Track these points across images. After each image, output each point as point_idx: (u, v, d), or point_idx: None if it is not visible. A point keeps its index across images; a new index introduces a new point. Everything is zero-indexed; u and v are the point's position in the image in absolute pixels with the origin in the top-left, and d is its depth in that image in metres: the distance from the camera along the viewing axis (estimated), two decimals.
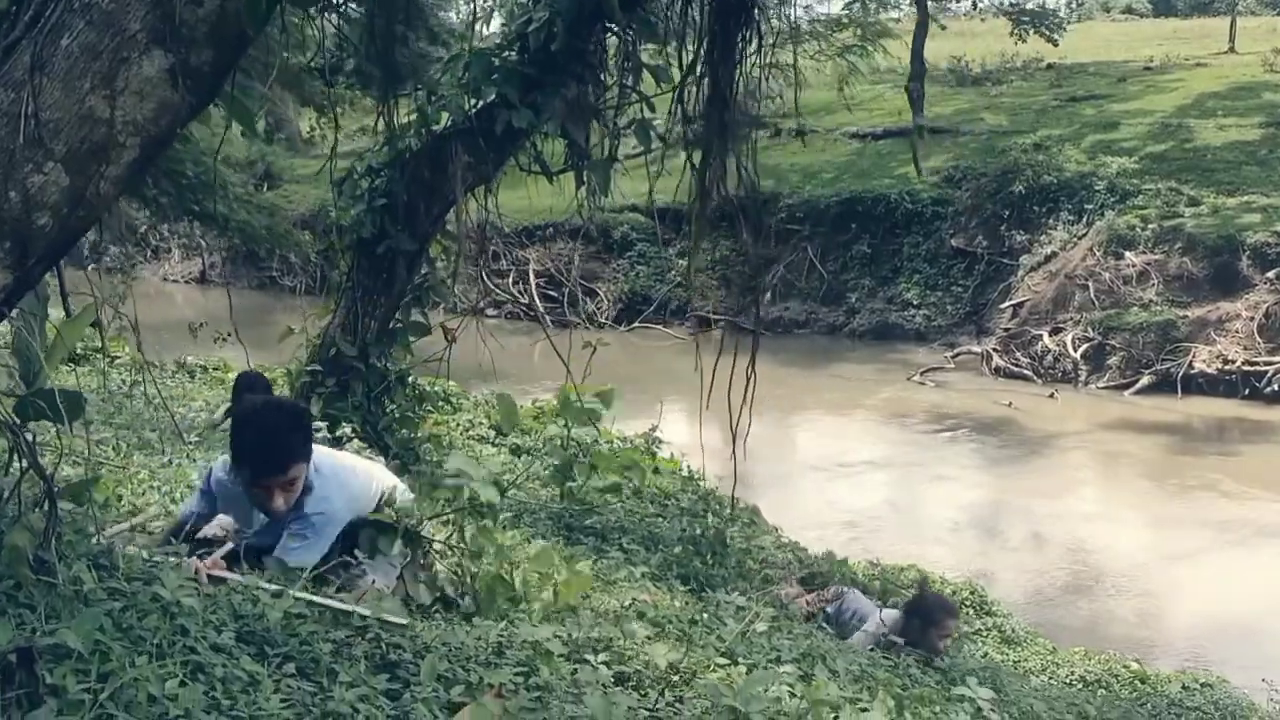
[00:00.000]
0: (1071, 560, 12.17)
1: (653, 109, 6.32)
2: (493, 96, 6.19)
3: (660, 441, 8.53)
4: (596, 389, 7.17)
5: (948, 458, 16.19)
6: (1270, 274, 18.66)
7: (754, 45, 4.61)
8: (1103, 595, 11.30)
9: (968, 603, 8.97)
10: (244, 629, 2.49)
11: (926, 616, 5.78)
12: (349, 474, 3.75)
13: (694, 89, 4.81)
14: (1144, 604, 11.22)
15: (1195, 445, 16.56)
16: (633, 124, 6.18)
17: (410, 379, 6.84)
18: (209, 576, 2.95)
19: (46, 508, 2.37)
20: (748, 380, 4.15)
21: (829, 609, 6.19)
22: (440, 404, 8.05)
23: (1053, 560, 12.18)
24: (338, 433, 5.96)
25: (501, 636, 3.08)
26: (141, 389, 6.72)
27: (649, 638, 3.60)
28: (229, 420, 4.04)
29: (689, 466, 8.38)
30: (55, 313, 5.23)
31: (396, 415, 6.65)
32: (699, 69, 4.80)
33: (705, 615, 4.22)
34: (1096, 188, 22.04)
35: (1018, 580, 11.54)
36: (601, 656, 3.22)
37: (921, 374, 20.00)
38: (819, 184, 25.51)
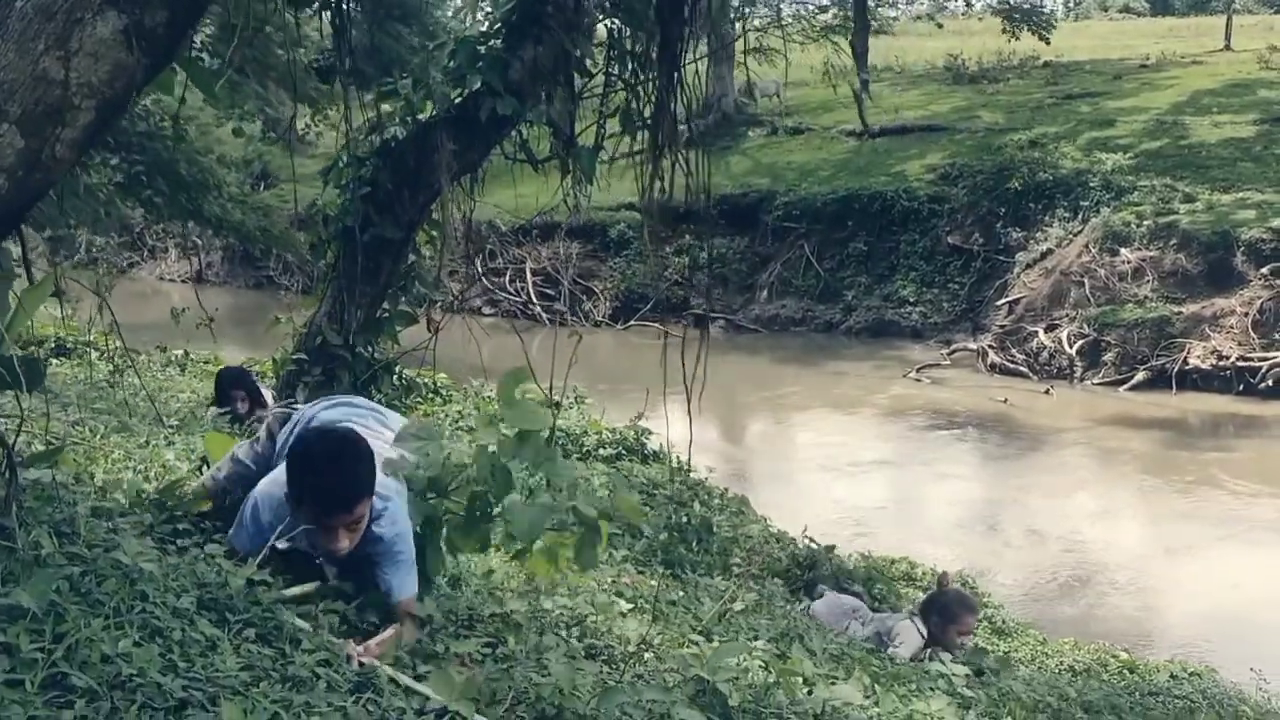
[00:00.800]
0: (1066, 555, 12.15)
1: (638, 97, 6.29)
2: (478, 84, 6.19)
3: (648, 432, 8.53)
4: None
5: (943, 454, 16.19)
6: (1264, 270, 18.65)
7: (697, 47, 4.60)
8: (1097, 589, 11.29)
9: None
10: (205, 596, 2.49)
11: (945, 613, 5.56)
12: (404, 493, 3.41)
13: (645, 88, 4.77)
14: (1139, 598, 11.21)
15: (1190, 441, 16.55)
16: (617, 110, 6.17)
17: (397, 368, 6.83)
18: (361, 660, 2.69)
19: (6, 474, 2.37)
20: (697, 360, 4.10)
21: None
22: (429, 395, 8.04)
23: (1047, 555, 12.17)
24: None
25: (471, 609, 3.08)
26: (127, 378, 6.71)
27: (623, 614, 3.59)
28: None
29: (677, 457, 8.38)
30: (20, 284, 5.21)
31: (384, 404, 6.63)
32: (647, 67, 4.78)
33: (683, 595, 4.22)
34: (1092, 184, 22.04)
35: (1012, 574, 11.52)
36: (574, 631, 3.22)
37: (918, 371, 20.00)
38: (815, 181, 25.52)
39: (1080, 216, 21.81)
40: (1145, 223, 20.49)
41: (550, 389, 7.06)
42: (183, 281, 30.53)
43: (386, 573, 3.14)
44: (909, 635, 5.44)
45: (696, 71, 4.82)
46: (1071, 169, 22.76)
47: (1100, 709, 4.65)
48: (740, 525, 6.92)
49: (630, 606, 3.65)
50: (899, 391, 19.18)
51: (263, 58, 17.05)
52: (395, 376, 6.77)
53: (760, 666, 3.14)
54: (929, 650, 5.35)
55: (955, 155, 25.03)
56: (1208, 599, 11.00)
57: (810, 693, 2.96)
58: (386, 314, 6.71)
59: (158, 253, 31.48)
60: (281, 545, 3.09)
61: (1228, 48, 31.89)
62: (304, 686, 2.29)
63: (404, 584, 3.13)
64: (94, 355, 8.40)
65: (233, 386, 7.16)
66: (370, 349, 6.64)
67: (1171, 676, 7.55)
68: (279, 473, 3.28)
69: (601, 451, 8.12)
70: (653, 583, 4.29)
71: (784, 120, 29.92)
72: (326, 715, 2.13)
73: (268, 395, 7.09)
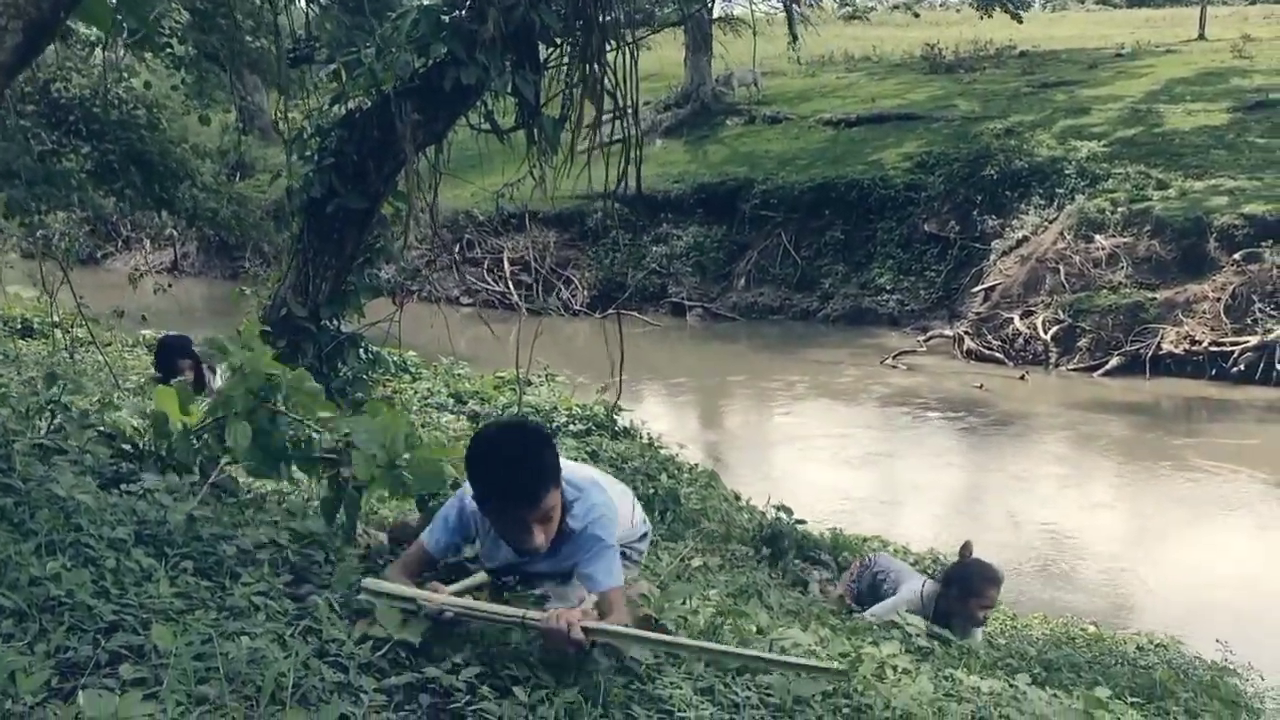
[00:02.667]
0: (1041, 536, 12.21)
1: (605, 68, 6.29)
2: (442, 53, 6.15)
3: (619, 409, 8.52)
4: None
5: (919, 439, 16.24)
6: (1236, 255, 18.76)
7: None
8: (1072, 569, 11.33)
9: (929, 571, 9.00)
10: (144, 531, 2.46)
11: (966, 585, 5.31)
12: (599, 482, 3.28)
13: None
14: (1113, 577, 11.26)
15: (1164, 425, 16.64)
16: (583, 82, 6.15)
17: (363, 341, 6.79)
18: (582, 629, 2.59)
19: None
20: (621, 339, 4.06)
21: (854, 585, 5.68)
22: (398, 372, 8.01)
23: (1022, 537, 12.22)
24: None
25: None
26: (91, 354, 6.67)
27: None
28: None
29: (648, 434, 8.38)
30: None
31: (349, 377, 6.61)
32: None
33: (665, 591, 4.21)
34: (1067, 172, 22.16)
35: (988, 555, 11.51)
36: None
37: (894, 358, 20.05)
38: (793, 170, 25.56)
39: (1055, 204, 21.92)
40: (1119, 209, 20.61)
41: (517, 368, 7.09)
42: (158, 272, 30.36)
43: (586, 566, 3.03)
44: (903, 597, 5.25)
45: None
46: (1047, 157, 22.87)
47: (1059, 666, 4.66)
48: (708, 498, 6.92)
49: None
50: (875, 378, 19.23)
51: (234, 45, 16.94)
52: (361, 350, 6.74)
53: (712, 611, 3.14)
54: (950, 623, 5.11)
55: (932, 144, 25.11)
56: (1180, 579, 11.06)
57: (759, 633, 2.96)
58: (352, 286, 6.68)
59: (132, 244, 31.27)
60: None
61: (1202, 37, 32.07)
62: (241, 615, 2.28)
63: (606, 574, 3.00)
64: (58, 333, 8.34)
65: (179, 355, 7.10)
66: (335, 321, 6.60)
67: (1138, 648, 7.59)
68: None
69: (572, 428, 8.11)
70: None
71: (762, 109, 29.94)
72: (261, 639, 2.11)
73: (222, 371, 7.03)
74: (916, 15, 31.98)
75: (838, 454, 15.55)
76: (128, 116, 17.70)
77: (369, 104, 6.29)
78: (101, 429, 3.25)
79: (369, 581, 2.58)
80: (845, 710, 2.72)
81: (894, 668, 3.14)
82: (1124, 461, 14.88)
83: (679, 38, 30.47)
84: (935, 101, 28.16)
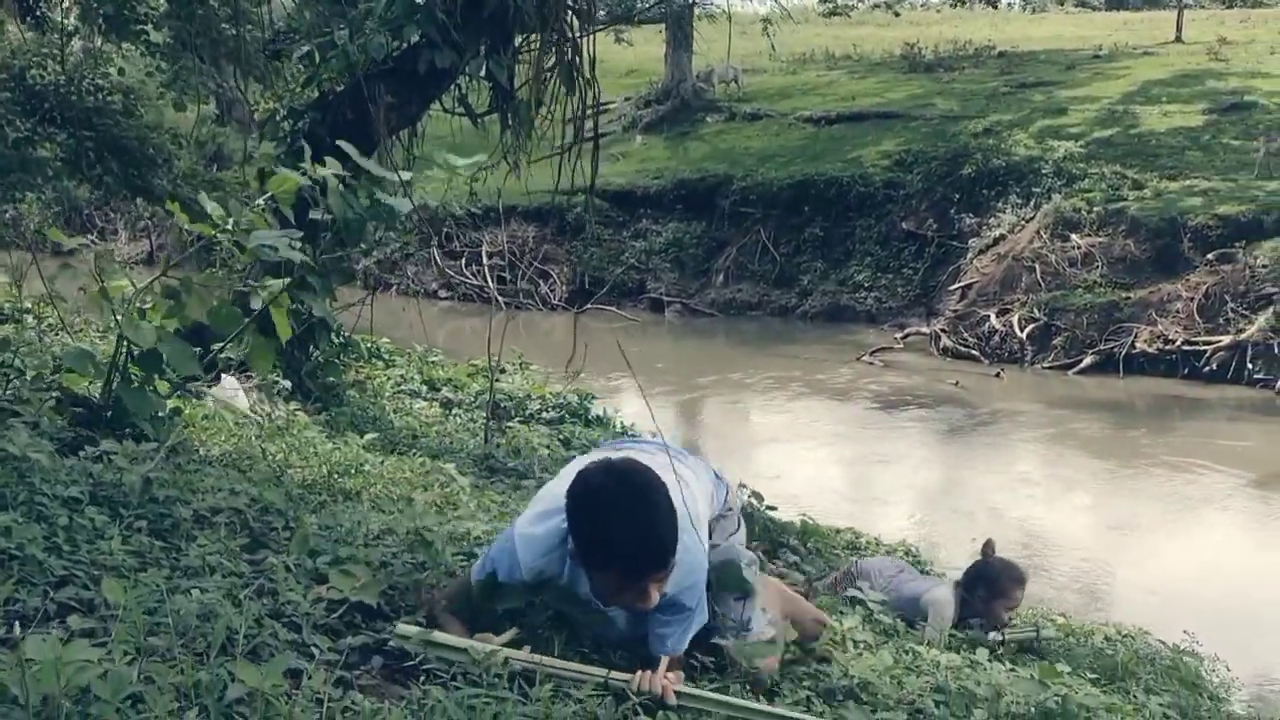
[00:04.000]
0: (1015, 530, 12.26)
1: (578, 52, 6.30)
2: (416, 36, 6.15)
3: (591, 397, 8.53)
4: None
5: (895, 434, 16.30)
6: (1210, 256, 18.90)
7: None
8: (1045, 563, 11.39)
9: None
10: (99, 491, 2.45)
11: (992, 586, 5.11)
12: (694, 510, 2.92)
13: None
14: (1084, 571, 11.33)
15: (1137, 422, 16.76)
16: (554, 68, 6.16)
17: (335, 326, 6.77)
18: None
19: None
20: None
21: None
22: (370, 359, 7.99)
23: (997, 531, 12.19)
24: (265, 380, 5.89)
25: (383, 524, 3.06)
26: (61, 337, 6.63)
27: None
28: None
29: (620, 422, 8.40)
30: None
31: (320, 361, 6.59)
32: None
33: None
34: (1044, 171, 22.26)
35: (963, 549, 11.59)
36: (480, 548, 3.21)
37: (871, 354, 20.11)
38: (772, 167, 25.61)
39: (1032, 203, 22.01)
40: (1095, 209, 20.73)
41: (489, 354, 7.08)
42: (134, 264, 30.19)
43: (661, 627, 2.75)
44: (944, 609, 4.99)
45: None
46: (1024, 156, 22.99)
47: (1023, 649, 4.69)
48: None
49: None
50: (852, 374, 19.29)
51: (211, 34, 16.85)
52: (332, 334, 6.71)
53: None
54: (974, 623, 4.96)
55: (910, 142, 25.20)
56: (1151, 573, 11.14)
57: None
58: (324, 270, 6.62)
59: (107, 235, 31.05)
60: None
61: (1178, 40, 32.32)
62: (195, 574, 2.27)
63: (679, 642, 2.77)
64: (29, 319, 8.29)
65: None
66: (306, 305, 6.55)
67: (1105, 639, 7.64)
68: (545, 507, 2.83)
69: (544, 415, 8.11)
70: None
71: (742, 106, 30.00)
72: (213, 595, 2.11)
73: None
74: (897, 14, 32.12)
75: (812, 448, 15.59)
76: (104, 103, 17.59)
77: (342, 86, 6.28)
78: (58, 394, 3.23)
79: (404, 628, 2.40)
80: (805, 681, 2.74)
81: (854, 641, 3.16)
82: (1097, 458, 14.96)
83: (660, 34, 30.51)
84: (914, 100, 28.27)
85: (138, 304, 3.31)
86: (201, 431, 4.03)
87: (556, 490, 2.84)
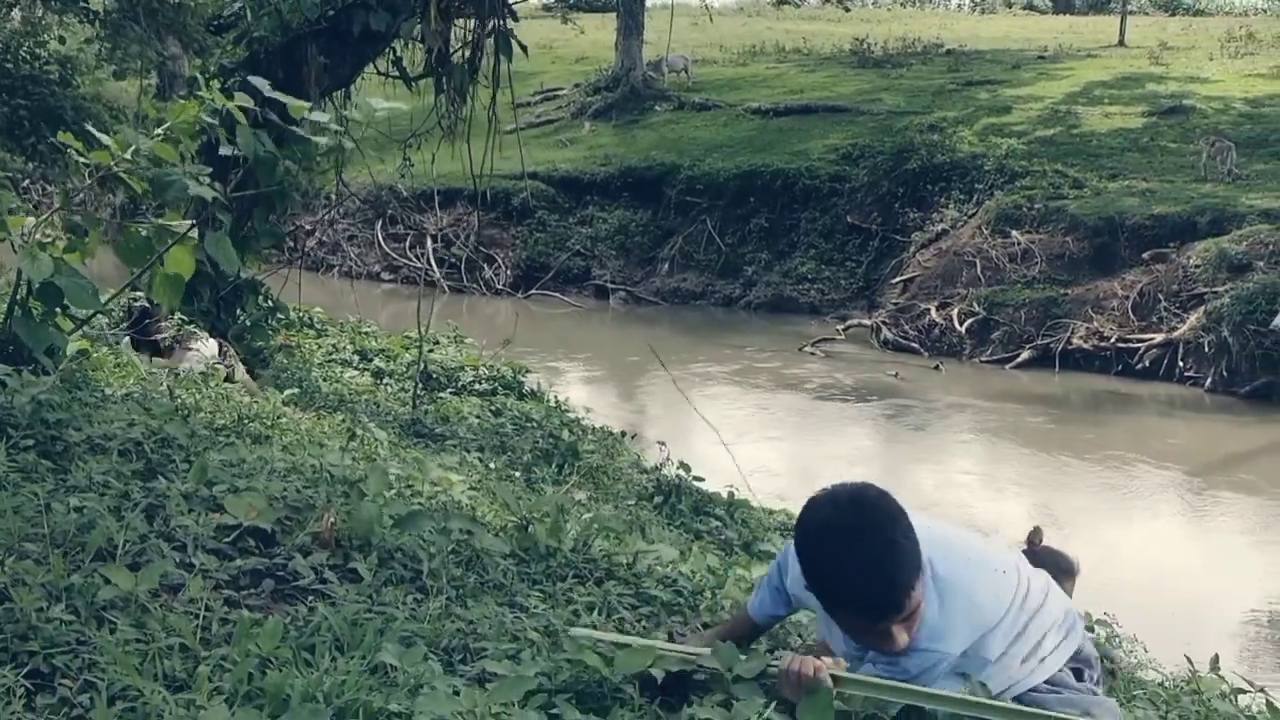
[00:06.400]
0: (948, 519, 12.40)
1: (515, 18, 6.26)
2: None
3: (525, 369, 8.49)
4: None
5: (835, 425, 16.41)
6: (1145, 255, 19.21)
7: None
8: None
9: None
10: None
11: None
12: (971, 577, 2.52)
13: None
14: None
15: (1071, 416, 17.00)
16: (492, 32, 6.11)
17: (263, 288, 6.68)
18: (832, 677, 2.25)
19: None
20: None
21: None
22: (301, 327, 7.90)
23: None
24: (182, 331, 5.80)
25: (290, 463, 3.02)
26: None
27: (463, 492, 3.56)
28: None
29: (555, 397, 8.38)
30: None
31: (248, 323, 6.50)
32: None
33: (531, 493, 4.21)
34: (987, 168, 22.52)
35: None
36: (405, 491, 3.18)
37: (813, 345, 20.22)
38: (720, 157, 25.66)
39: (975, 199, 22.25)
40: (1036, 206, 20.99)
41: (419, 324, 7.04)
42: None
43: (909, 660, 2.42)
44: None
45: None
46: (968, 153, 23.23)
47: None
48: (609, 456, 6.92)
49: (462, 480, 3.62)
50: (794, 364, 19.38)
51: (151, 4, 16.58)
52: (260, 296, 6.62)
53: (583, 527, 3.13)
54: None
55: (857, 136, 25.37)
56: (1086, 560, 11.32)
57: (618, 540, 2.97)
58: (253, 232, 6.56)
59: (44, 209, 30.42)
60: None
61: (1121, 44, 32.85)
62: (81, 492, 2.22)
63: (928, 678, 2.43)
64: None
65: None
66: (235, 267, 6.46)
67: None
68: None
69: (477, 386, 8.06)
70: (492, 465, 4.27)
71: (691, 96, 30.05)
72: (95, 509, 2.07)
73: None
74: (847, 9, 32.33)
75: (751, 435, 15.64)
76: (39, 72, 17.25)
77: (274, 45, 6.19)
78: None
79: (576, 630, 2.24)
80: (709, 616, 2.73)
81: None
82: (1031, 450, 15.16)
83: (611, 21, 30.46)
84: (862, 95, 28.47)
85: (38, 237, 3.23)
86: (110, 374, 3.96)
87: None
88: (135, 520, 2.16)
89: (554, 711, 1.80)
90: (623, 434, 7.50)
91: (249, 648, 1.74)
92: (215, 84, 6.23)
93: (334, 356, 7.96)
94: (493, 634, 2.09)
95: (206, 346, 5.89)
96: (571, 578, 2.69)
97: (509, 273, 24.57)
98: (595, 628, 2.33)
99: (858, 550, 2.32)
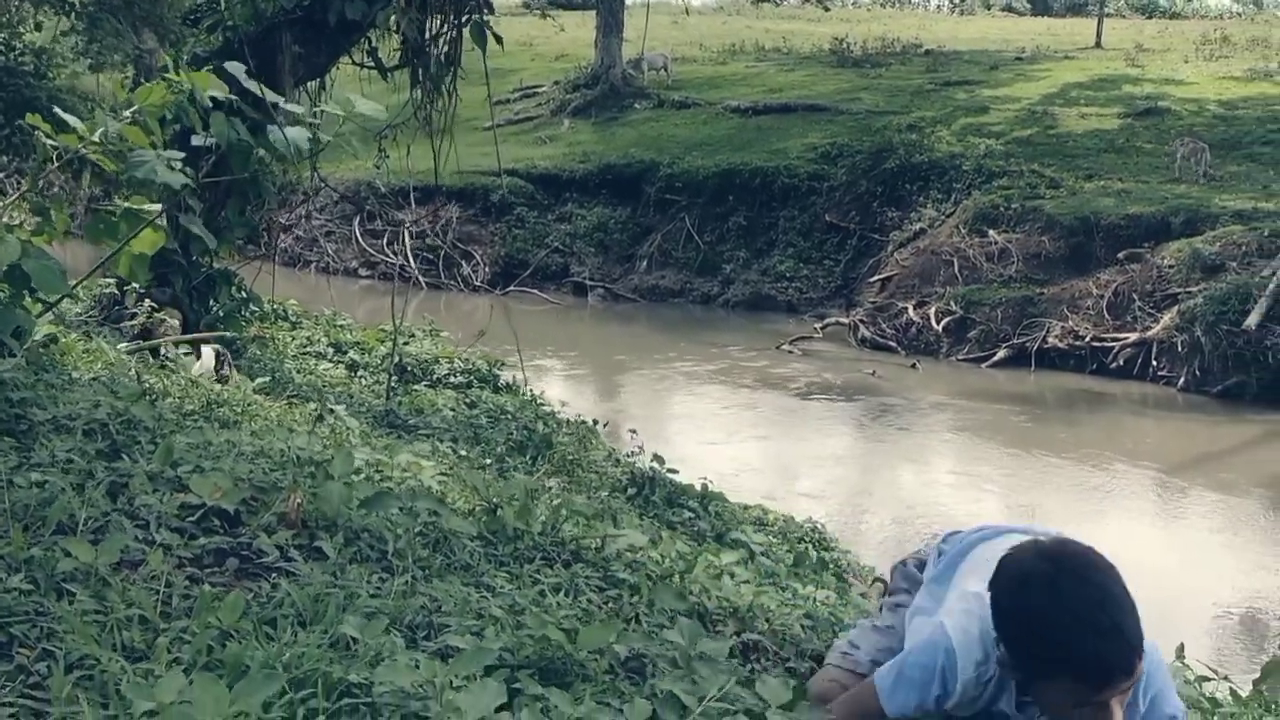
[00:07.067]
0: (928, 518, 12.45)
1: (491, 10, 6.25)
2: None
3: (502, 364, 8.49)
4: None
5: (812, 422, 16.46)
6: (1120, 254, 19.35)
7: None
8: None
9: (806, 539, 9.13)
10: None
11: None
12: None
13: None
14: None
15: (1046, 415, 17.11)
16: (468, 21, 6.10)
17: (236, 279, 6.65)
18: None
19: None
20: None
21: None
22: (275, 319, 7.87)
23: (911, 517, 12.46)
24: (150, 318, 5.77)
25: (257, 447, 3.01)
26: None
27: (433, 477, 3.56)
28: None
29: (531, 390, 8.37)
30: None
31: (220, 314, 6.47)
32: None
33: (503, 483, 4.19)
34: (964, 168, 22.61)
35: (877, 536, 11.79)
36: (374, 475, 3.18)
37: (790, 343, 20.26)
38: (699, 155, 25.70)
39: (952, 198, 22.35)
40: (1013, 206, 21.10)
41: (393, 319, 7.02)
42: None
43: None
44: None
45: None
46: (946, 153, 23.32)
47: None
48: (583, 448, 6.93)
49: (433, 466, 3.62)
50: (772, 362, 19.43)
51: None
52: (234, 287, 6.59)
53: (551, 510, 3.14)
54: None
55: (836, 135, 25.44)
56: None
57: (588, 523, 2.98)
58: (226, 222, 6.52)
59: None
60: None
61: (1098, 45, 33.07)
62: (44, 468, 2.21)
63: None
64: None
65: None
66: (207, 257, 6.45)
67: None
68: (963, 604, 2.39)
69: (452, 379, 8.05)
70: (464, 453, 4.27)
71: (671, 94, 30.08)
72: (57, 484, 2.06)
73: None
74: (827, 9, 32.42)
75: (728, 431, 15.68)
76: (14, 64, 17.12)
77: (249, 34, 6.16)
78: None
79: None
80: (682, 607, 2.74)
81: (731, 574, 3.18)
82: (1006, 448, 15.24)
83: (591, 19, 30.46)
84: (841, 94, 28.56)
85: (4, 220, 3.21)
86: (79, 359, 3.94)
87: (968, 585, 2.36)
88: (97, 497, 2.15)
89: (515, 685, 1.81)
90: (595, 422, 7.48)
91: (209, 620, 1.74)
92: (187, 69, 6.23)
93: (308, 349, 7.93)
94: (456, 611, 2.10)
95: (205, 356, 5.86)
96: (539, 560, 2.70)
97: (487, 269, 24.52)
98: (560, 608, 2.34)
99: (1088, 605, 2.13)
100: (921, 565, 2.77)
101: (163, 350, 5.15)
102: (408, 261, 24.56)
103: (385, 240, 25.15)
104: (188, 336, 6.03)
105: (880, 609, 2.82)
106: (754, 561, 3.73)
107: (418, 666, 1.70)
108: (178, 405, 3.55)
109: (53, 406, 2.57)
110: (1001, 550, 2.33)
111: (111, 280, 5.88)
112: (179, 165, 3.61)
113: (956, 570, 2.56)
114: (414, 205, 24.54)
